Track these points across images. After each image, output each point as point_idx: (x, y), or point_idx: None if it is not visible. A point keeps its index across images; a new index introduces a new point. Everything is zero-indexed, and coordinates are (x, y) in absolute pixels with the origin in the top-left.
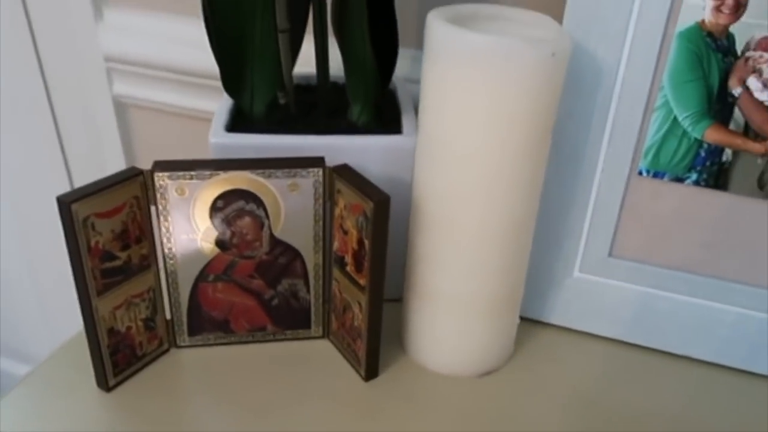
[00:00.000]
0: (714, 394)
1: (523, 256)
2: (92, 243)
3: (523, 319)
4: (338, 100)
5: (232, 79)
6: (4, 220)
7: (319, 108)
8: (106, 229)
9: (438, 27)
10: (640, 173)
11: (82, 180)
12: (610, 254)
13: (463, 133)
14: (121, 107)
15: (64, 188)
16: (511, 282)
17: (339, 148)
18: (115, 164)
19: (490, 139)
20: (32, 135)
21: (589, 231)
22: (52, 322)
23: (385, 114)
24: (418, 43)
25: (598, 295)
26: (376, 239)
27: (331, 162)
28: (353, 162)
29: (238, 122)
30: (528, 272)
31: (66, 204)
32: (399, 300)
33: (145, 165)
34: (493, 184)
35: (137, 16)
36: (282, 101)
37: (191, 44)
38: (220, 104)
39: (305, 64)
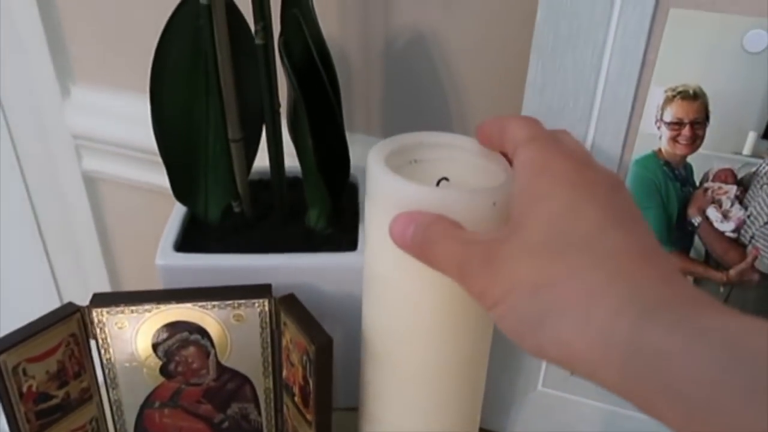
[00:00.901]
0: None
1: (477, 391)
2: (24, 388)
3: (485, 431)
4: (298, 196)
5: (183, 187)
6: None
7: (275, 213)
8: (40, 371)
9: (377, 173)
10: None
11: (56, 251)
12: (573, 372)
13: (406, 274)
14: (90, 182)
15: (40, 259)
16: (464, 416)
17: (291, 266)
18: (87, 236)
19: (432, 282)
20: (6, 209)
21: None
22: None
23: (344, 216)
24: (384, 131)
25: (561, 410)
26: (319, 381)
27: (283, 279)
28: (306, 278)
29: (192, 229)
30: (490, 385)
31: None
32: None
33: (117, 238)
34: (439, 324)
35: (104, 95)
36: (237, 209)
37: None
38: (175, 209)
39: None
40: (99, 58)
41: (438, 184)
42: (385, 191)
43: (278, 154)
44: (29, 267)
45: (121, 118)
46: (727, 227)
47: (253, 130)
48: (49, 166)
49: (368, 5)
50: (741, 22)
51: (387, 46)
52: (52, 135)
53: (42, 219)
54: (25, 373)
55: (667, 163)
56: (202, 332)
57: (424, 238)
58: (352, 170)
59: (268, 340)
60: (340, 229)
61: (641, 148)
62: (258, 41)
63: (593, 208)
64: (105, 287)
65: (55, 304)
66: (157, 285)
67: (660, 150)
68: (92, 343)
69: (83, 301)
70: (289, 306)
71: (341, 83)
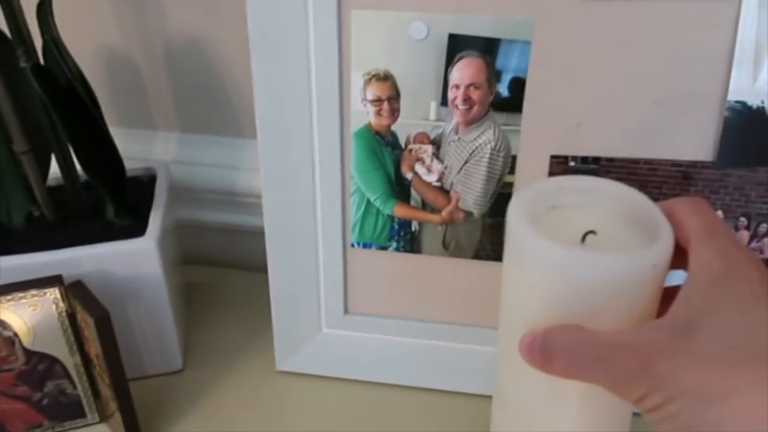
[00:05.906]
0: (442, 414)
1: None
2: None
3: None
4: (99, 197)
5: None
6: None
7: (75, 214)
8: None
9: (521, 232)
10: (353, 245)
11: None
12: (345, 312)
13: None
14: None
15: None
16: None
17: (83, 256)
18: None
19: None
20: None
21: (324, 294)
22: None
23: (143, 206)
24: (182, 127)
25: (343, 345)
26: (105, 348)
27: (82, 269)
28: (100, 264)
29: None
30: (280, 329)
31: None
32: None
33: None
34: (578, 388)
35: None
36: (36, 214)
37: None
38: None
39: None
40: None
41: (584, 239)
42: (529, 252)
43: (66, 161)
44: None
45: None
46: (431, 178)
47: (40, 142)
48: None
49: (143, 14)
50: (407, 16)
51: (166, 50)
52: None
53: None
54: None
55: (377, 133)
56: (3, 324)
57: (549, 351)
58: (153, 164)
59: (67, 322)
60: (139, 219)
61: (357, 123)
62: (22, 64)
63: None
64: None
65: None
66: None
67: (370, 123)
68: None
69: None
70: (76, 290)
71: (129, 85)
